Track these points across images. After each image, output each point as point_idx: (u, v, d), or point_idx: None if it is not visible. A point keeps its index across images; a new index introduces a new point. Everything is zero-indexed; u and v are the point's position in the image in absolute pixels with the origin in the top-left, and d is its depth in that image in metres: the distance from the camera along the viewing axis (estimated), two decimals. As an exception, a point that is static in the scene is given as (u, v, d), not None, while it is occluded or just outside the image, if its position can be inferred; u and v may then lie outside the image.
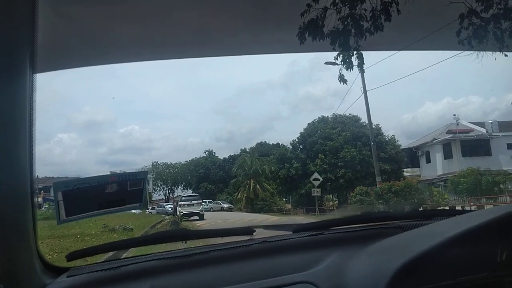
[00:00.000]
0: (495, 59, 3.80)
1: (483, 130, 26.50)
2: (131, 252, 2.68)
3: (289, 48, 3.70)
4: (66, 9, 2.25)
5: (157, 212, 28.52)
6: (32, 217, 1.00)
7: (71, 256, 1.15)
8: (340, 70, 4.24)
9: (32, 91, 1.00)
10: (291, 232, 1.37)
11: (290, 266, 1.11)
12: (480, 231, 0.92)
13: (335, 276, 1.05)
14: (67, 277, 1.08)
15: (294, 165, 27.17)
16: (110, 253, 3.46)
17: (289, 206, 30.69)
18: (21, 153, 0.97)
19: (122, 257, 1.39)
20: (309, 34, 3.23)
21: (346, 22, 3.27)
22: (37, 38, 0.98)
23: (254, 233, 1.32)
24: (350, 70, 3.98)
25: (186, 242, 1.39)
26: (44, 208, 17.18)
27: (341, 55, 3.89)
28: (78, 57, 2.74)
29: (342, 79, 4.38)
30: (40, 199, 19.54)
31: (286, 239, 1.29)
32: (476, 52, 3.79)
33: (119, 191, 1.22)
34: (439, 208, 16.72)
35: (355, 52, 3.79)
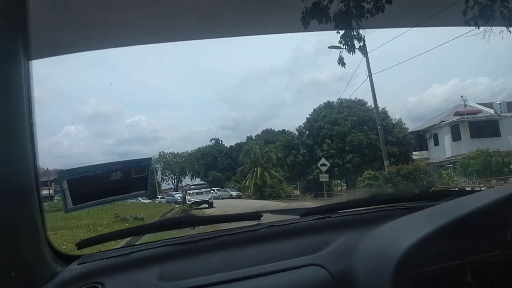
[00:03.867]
0: (502, 38, 3.72)
1: (491, 111, 26.01)
2: (144, 239, 2.73)
3: (292, 28, 3.62)
4: None
5: (167, 201, 28.87)
6: (39, 207, 1.01)
7: (81, 244, 1.17)
8: (340, 52, 4.17)
9: (29, 78, 0.99)
10: (299, 216, 1.37)
11: (298, 250, 1.11)
12: (489, 210, 0.91)
13: (344, 258, 1.05)
14: (78, 264, 1.10)
15: (301, 151, 27.07)
16: (123, 242, 3.54)
17: (297, 192, 30.74)
18: (22, 142, 0.97)
19: (132, 244, 1.41)
20: (312, 17, 3.17)
21: (349, 3, 3.20)
22: (30, 24, 0.97)
23: (261, 218, 1.33)
24: (352, 53, 3.92)
25: (194, 228, 1.40)
26: (56, 199, 17.40)
27: (344, 38, 3.82)
28: (76, 42, 2.70)
29: (341, 62, 4.32)
30: (51, 191, 19.76)
31: (294, 223, 1.29)
32: (483, 31, 3.70)
33: (123, 178, 1.23)
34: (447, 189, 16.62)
35: (356, 34, 3.72)
